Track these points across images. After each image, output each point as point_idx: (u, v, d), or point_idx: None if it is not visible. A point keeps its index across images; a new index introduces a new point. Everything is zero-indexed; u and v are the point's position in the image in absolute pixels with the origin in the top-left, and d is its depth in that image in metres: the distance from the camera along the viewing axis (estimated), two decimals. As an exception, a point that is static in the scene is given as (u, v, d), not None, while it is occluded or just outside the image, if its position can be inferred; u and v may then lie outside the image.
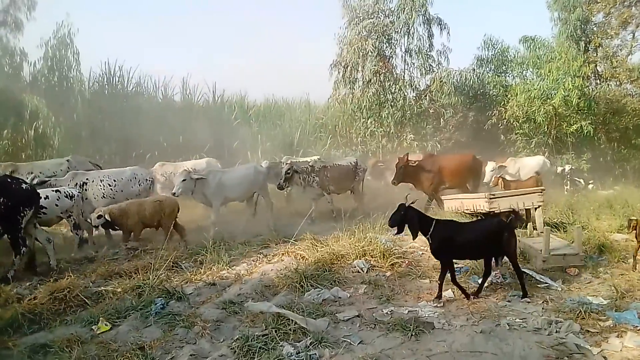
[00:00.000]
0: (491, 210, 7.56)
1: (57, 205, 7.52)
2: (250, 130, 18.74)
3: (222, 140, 17.59)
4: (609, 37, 18.76)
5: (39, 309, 4.93)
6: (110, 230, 8.24)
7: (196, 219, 9.74)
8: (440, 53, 17.39)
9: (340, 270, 6.25)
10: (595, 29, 18.45)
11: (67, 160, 10.33)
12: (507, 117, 16.49)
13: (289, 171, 9.97)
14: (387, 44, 17.35)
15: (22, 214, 6.24)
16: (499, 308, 4.93)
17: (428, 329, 4.44)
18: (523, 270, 5.97)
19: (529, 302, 5.08)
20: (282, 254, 7.00)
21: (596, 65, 18.32)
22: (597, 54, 18.46)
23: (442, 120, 17.79)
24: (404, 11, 16.83)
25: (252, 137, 18.50)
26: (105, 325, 4.65)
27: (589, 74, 17.23)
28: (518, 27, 37.82)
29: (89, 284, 5.88)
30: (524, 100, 15.70)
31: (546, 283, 5.63)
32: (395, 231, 5.46)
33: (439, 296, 5.15)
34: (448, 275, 5.33)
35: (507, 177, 11.12)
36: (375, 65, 16.85)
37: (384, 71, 17.16)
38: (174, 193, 8.59)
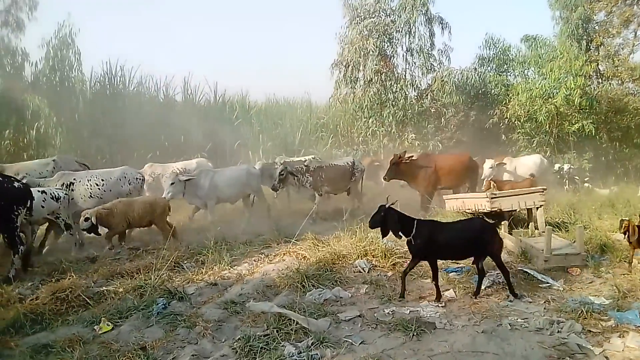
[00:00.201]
0: (493, 209, 7.56)
1: (42, 207, 7.37)
2: (252, 130, 18.75)
3: (224, 140, 17.60)
4: (611, 36, 18.71)
5: (41, 309, 4.94)
6: (94, 233, 7.88)
7: (196, 218, 9.74)
8: (442, 52, 17.39)
9: (341, 270, 6.25)
10: (596, 27, 18.39)
11: (53, 160, 10.13)
12: (508, 117, 16.46)
13: (282, 172, 9.89)
14: (388, 43, 17.33)
15: (16, 213, 6.24)
16: (501, 308, 4.92)
17: (429, 329, 4.44)
18: (524, 270, 5.99)
19: (530, 302, 5.07)
20: (284, 254, 7.00)
21: (598, 64, 18.26)
22: (598, 53, 18.41)
23: (443, 119, 17.76)
24: (405, 10, 16.81)
25: (254, 136, 18.51)
26: (107, 325, 4.66)
27: (591, 73, 17.17)
28: (519, 26, 37.72)
29: (91, 284, 5.89)
30: (525, 99, 15.67)
31: (548, 283, 5.62)
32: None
33: (438, 297, 5.14)
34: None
35: (506, 176, 11.07)
36: (376, 65, 16.83)
37: (385, 70, 17.14)
38: (164, 197, 8.53)
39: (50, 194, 7.62)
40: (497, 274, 5.80)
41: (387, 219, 5.18)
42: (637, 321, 4.39)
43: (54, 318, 4.87)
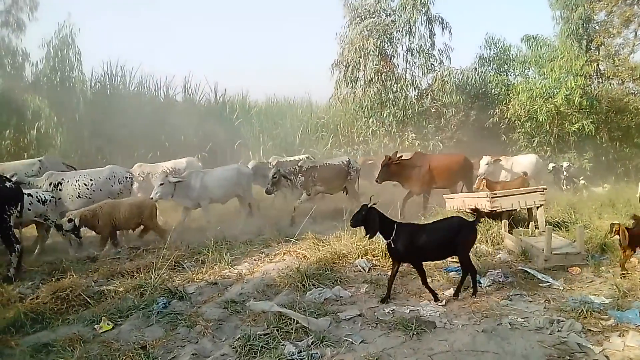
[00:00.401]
0: (493, 209, 7.56)
1: (29, 209, 7.28)
2: (252, 130, 18.77)
3: (224, 140, 17.62)
4: (611, 36, 18.70)
5: (42, 309, 4.95)
6: (75, 236, 7.79)
7: (195, 218, 9.73)
8: (442, 52, 17.37)
9: (341, 269, 6.26)
10: (597, 27, 18.38)
11: (39, 161, 10.08)
12: (509, 116, 16.46)
13: (275, 175, 9.82)
14: (388, 43, 17.32)
15: (8, 212, 6.25)
16: (501, 307, 4.92)
17: (430, 328, 4.44)
18: (525, 269, 6.00)
19: (530, 301, 5.07)
20: (284, 253, 7.01)
21: (598, 64, 18.25)
22: (599, 53, 18.39)
23: (443, 119, 17.75)
24: (405, 10, 16.80)
25: (254, 136, 18.54)
26: (108, 324, 4.66)
27: (591, 72, 17.16)
28: (520, 25, 37.74)
29: (91, 283, 5.90)
30: (525, 99, 15.67)
31: (548, 282, 5.62)
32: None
33: (435, 299, 5.12)
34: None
35: (503, 175, 11.03)
36: (376, 65, 16.82)
37: (385, 70, 17.14)
38: (152, 197, 8.48)
39: (37, 196, 7.53)
40: (497, 273, 5.82)
41: (368, 219, 5.15)
42: (637, 320, 4.39)
43: (55, 317, 4.87)
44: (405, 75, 17.75)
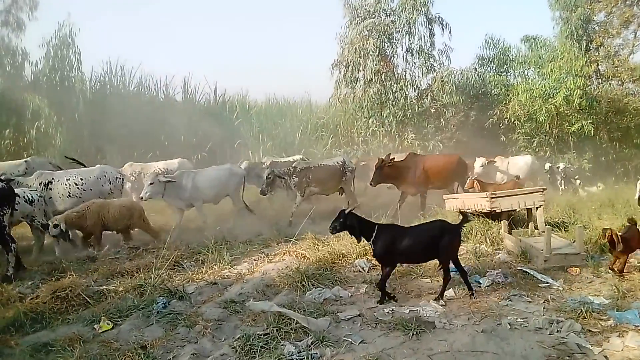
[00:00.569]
0: (493, 209, 7.57)
1: (16, 209, 7.12)
2: (252, 130, 18.78)
3: (224, 140, 17.63)
4: (611, 37, 18.73)
5: (41, 308, 4.95)
6: (64, 239, 7.71)
7: (193, 218, 9.72)
8: (442, 52, 17.41)
9: (341, 269, 6.27)
10: (597, 28, 18.41)
11: (26, 162, 10.03)
12: (508, 117, 16.48)
13: (269, 175, 9.78)
14: (388, 44, 17.34)
15: (2, 212, 6.25)
16: (500, 307, 4.92)
17: (429, 328, 4.44)
18: (524, 269, 6.00)
19: (530, 302, 5.08)
20: (284, 253, 7.01)
21: (598, 65, 18.29)
22: (598, 53, 18.42)
23: (443, 119, 17.78)
24: (405, 10, 16.83)
25: (254, 136, 18.54)
26: (107, 324, 4.66)
27: (591, 73, 17.21)
28: (519, 26, 37.78)
29: (91, 283, 5.90)
30: (525, 99, 15.69)
31: (547, 282, 5.62)
32: None
33: (382, 301, 5.10)
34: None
35: (499, 176, 11.01)
36: (376, 65, 16.84)
37: (385, 70, 17.15)
38: (142, 197, 8.46)
39: (24, 196, 7.43)
40: (496, 273, 5.82)
41: (347, 224, 5.16)
42: (637, 321, 4.39)
43: (54, 317, 4.87)
44: (405, 76, 17.78)
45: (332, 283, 5.73)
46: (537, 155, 15.41)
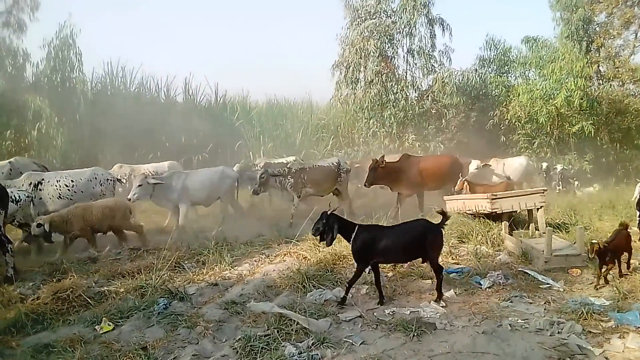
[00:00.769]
0: (493, 210, 7.56)
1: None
2: (253, 131, 18.79)
3: (225, 141, 17.64)
4: (612, 37, 18.75)
5: (42, 309, 4.95)
6: (46, 241, 7.54)
7: (193, 219, 9.71)
8: (443, 53, 17.48)
9: (342, 270, 6.25)
10: (597, 29, 18.44)
11: (10, 162, 9.92)
12: (509, 118, 16.50)
13: (263, 175, 9.74)
14: (389, 45, 17.38)
15: None
16: (501, 309, 4.92)
17: (430, 329, 4.44)
18: (525, 270, 6.00)
19: (530, 303, 5.08)
20: (284, 255, 7.00)
21: (599, 66, 18.31)
22: (599, 54, 18.45)
23: (444, 120, 17.79)
24: (405, 11, 16.87)
25: (254, 137, 18.56)
26: (108, 325, 4.66)
27: (592, 74, 17.24)
28: (520, 27, 37.84)
29: (92, 284, 5.89)
30: (526, 100, 15.71)
31: (548, 284, 5.62)
32: None
33: (344, 300, 5.10)
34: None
35: (495, 179, 10.99)
36: (377, 66, 16.87)
37: (386, 71, 17.18)
38: (130, 198, 8.40)
39: (11, 196, 7.25)
40: (497, 274, 5.81)
41: (328, 225, 5.15)
42: (637, 322, 4.38)
43: (55, 318, 4.87)
44: (406, 77, 17.81)
45: (333, 284, 5.72)
46: (538, 156, 15.43)
